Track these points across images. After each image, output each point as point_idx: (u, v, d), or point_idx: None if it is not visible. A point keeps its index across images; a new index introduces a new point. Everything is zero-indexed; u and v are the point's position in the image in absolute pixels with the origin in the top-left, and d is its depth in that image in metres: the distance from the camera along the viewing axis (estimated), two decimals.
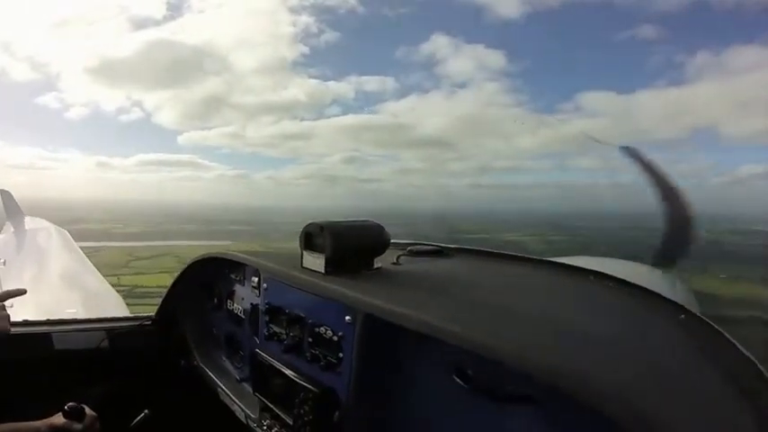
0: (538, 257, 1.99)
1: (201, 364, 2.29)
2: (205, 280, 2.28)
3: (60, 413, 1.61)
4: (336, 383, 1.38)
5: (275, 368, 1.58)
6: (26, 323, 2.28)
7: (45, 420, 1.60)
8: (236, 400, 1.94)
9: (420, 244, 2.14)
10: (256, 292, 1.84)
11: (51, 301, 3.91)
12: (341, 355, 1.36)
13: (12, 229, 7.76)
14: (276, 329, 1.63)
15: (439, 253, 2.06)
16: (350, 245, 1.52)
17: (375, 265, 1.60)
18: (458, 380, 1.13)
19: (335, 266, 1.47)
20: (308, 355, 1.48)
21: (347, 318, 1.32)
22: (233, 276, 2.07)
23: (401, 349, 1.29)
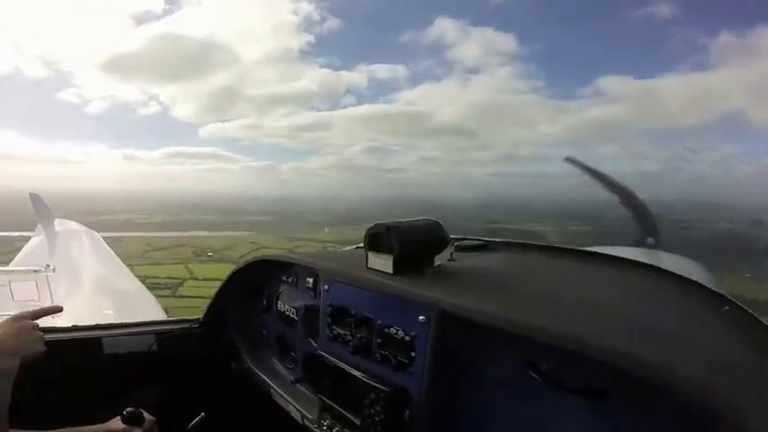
0: (580, 248, 1.99)
1: (252, 366, 2.27)
2: (253, 282, 2.28)
3: (118, 418, 1.60)
4: (408, 383, 1.36)
5: (340, 369, 1.57)
6: (74, 328, 2.28)
7: (103, 425, 1.59)
8: (292, 401, 1.92)
9: (465, 239, 2.12)
10: (311, 293, 1.86)
11: (85, 303, 3.94)
12: (413, 354, 1.34)
13: (43, 233, 7.80)
14: (340, 331, 1.62)
15: (485, 247, 2.06)
16: (416, 245, 1.51)
17: (435, 263, 1.58)
18: (533, 374, 1.13)
19: (402, 267, 1.45)
20: (377, 355, 1.46)
21: (421, 317, 1.30)
22: (284, 278, 2.07)
23: (473, 346, 1.28)
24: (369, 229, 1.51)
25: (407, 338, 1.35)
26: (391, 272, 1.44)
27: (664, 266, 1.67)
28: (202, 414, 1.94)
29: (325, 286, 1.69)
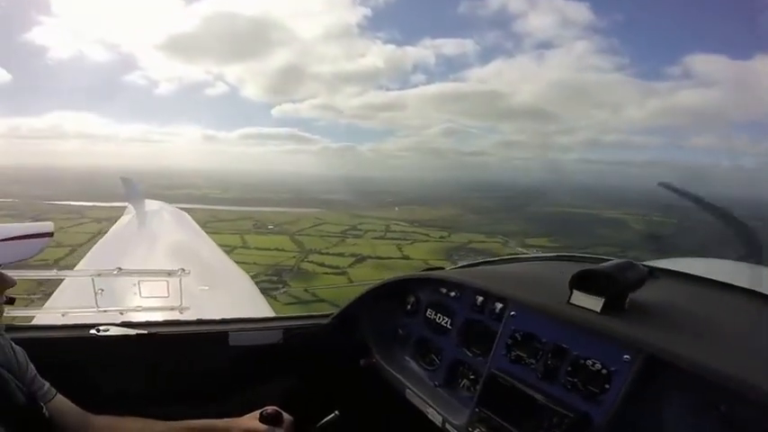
0: (742, 286, 1.94)
1: (382, 362, 2.28)
2: (398, 285, 2.34)
3: (253, 414, 1.66)
4: (592, 410, 1.42)
5: (518, 389, 1.62)
6: (201, 322, 2.33)
7: (236, 420, 1.65)
8: (431, 403, 1.94)
9: (602, 258, 2.15)
10: (477, 308, 1.93)
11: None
12: (607, 386, 1.41)
13: (133, 212, 8.49)
14: (522, 354, 1.68)
15: (650, 274, 2.00)
16: (624, 287, 1.58)
17: (627, 299, 1.64)
18: (717, 416, 1.21)
19: (609, 306, 1.52)
20: (563, 381, 1.52)
21: (626, 356, 1.37)
22: (443, 290, 2.11)
23: (664, 383, 1.35)
24: (580, 272, 1.58)
25: (605, 371, 1.41)
26: (599, 311, 1.51)
27: None
28: (336, 412, 1.88)
29: (512, 312, 1.75)
